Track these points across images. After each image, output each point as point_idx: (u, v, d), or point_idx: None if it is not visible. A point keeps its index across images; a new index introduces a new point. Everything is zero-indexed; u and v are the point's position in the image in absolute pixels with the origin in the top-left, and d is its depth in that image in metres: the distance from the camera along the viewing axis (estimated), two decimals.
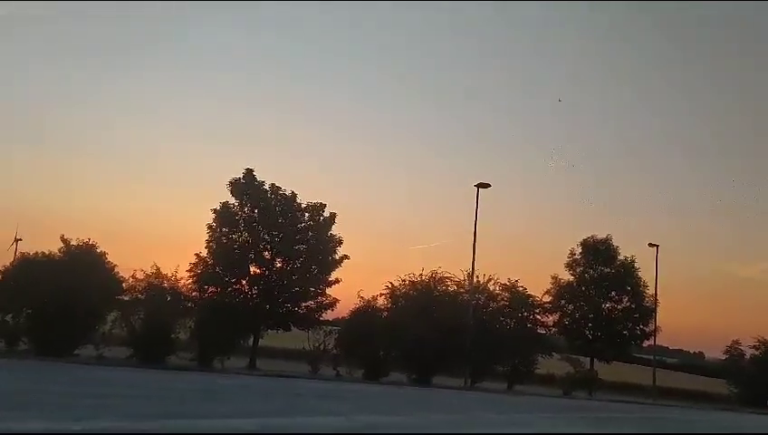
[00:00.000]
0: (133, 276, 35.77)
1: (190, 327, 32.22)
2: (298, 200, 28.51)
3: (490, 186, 29.33)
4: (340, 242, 28.49)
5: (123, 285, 35.20)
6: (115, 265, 35.57)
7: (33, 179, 72.96)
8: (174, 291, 34.65)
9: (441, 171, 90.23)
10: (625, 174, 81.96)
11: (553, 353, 31.86)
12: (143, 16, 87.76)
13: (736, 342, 33.41)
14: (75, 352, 30.44)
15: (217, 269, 27.29)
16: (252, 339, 29.09)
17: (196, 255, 27.24)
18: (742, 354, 33.49)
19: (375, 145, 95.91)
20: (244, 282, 27.87)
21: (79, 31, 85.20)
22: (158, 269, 35.49)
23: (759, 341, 32.86)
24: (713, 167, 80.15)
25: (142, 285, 35.00)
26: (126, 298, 34.39)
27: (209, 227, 27.28)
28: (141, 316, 33.85)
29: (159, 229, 73.04)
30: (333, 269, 28.51)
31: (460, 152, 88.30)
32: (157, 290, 34.57)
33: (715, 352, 39.55)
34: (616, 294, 34.51)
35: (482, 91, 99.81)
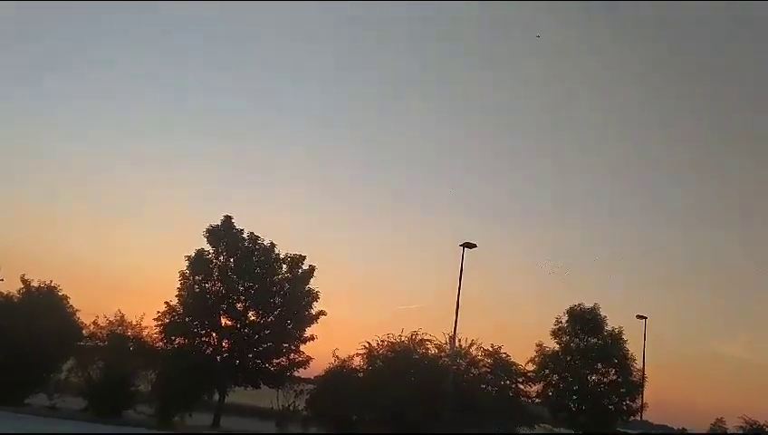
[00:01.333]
0: (95, 323, 35.83)
1: (152, 380, 32.08)
2: (277, 251, 28.89)
3: (476, 246, 30.22)
4: (317, 297, 28.63)
5: (84, 331, 35.23)
6: (77, 310, 35.38)
7: None
8: (137, 340, 34.68)
9: (426, 229, 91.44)
10: (614, 242, 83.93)
11: (536, 425, 32.07)
12: (127, 61, 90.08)
13: (720, 420, 34.13)
14: (26, 400, 29.98)
15: (186, 319, 27.30)
16: (217, 395, 29.10)
17: (166, 303, 27.40)
18: (725, 433, 34.15)
19: (359, 200, 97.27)
20: (213, 334, 27.81)
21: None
22: (122, 316, 35.52)
23: (746, 421, 33.68)
24: (700, 237, 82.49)
25: (104, 332, 35.06)
26: (86, 345, 34.30)
27: (182, 274, 27.51)
28: (100, 366, 33.70)
29: (131, 275, 72.34)
30: (309, 325, 28.61)
31: (446, 211, 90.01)
32: (119, 338, 34.53)
33: (699, 429, 40.24)
34: (602, 366, 34.94)
35: (468, 150, 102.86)
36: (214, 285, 27.90)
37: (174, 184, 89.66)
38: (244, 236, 28.57)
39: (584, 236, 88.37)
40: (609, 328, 35.31)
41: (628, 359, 34.95)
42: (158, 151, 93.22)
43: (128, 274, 75.55)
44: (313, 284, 29.15)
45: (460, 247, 29.69)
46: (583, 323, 35.20)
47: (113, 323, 34.56)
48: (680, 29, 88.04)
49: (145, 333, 34.58)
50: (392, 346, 30.38)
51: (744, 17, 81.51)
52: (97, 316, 35.17)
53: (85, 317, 35.55)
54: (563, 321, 35.64)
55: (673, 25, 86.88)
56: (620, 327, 35.28)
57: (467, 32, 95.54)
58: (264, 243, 28.89)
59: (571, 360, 35.06)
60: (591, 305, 35.42)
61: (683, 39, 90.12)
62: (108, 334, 34.17)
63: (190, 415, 28.12)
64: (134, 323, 34.60)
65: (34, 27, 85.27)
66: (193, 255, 27.86)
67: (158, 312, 27.45)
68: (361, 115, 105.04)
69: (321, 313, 28.62)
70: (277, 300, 28.35)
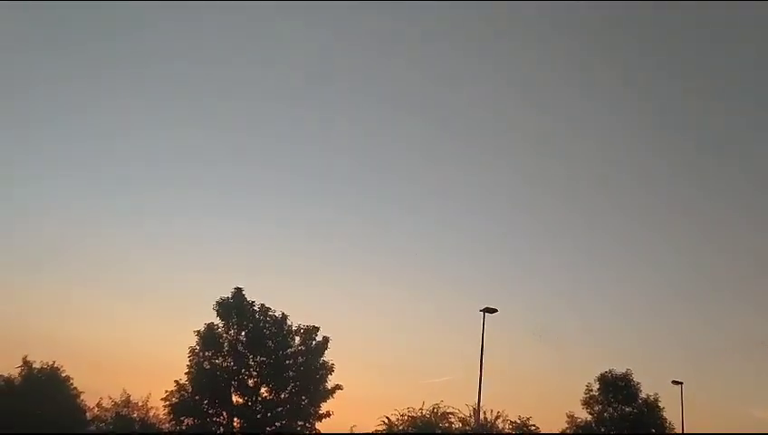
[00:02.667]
0: (99, 405, 36.33)
1: None
2: (289, 322, 29.23)
3: (497, 311, 30.63)
4: (332, 369, 28.66)
5: (88, 413, 35.74)
6: (81, 393, 36.23)
7: None
8: (144, 422, 35.07)
9: (447, 296, 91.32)
10: (645, 306, 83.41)
11: None
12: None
13: None
14: None
15: (196, 398, 27.34)
16: None
17: (176, 382, 27.55)
18: None
19: (375, 268, 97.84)
20: (224, 413, 27.77)
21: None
22: (127, 397, 36.14)
23: None
24: (730, 303, 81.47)
25: (109, 414, 35.54)
26: (90, 431, 34.70)
27: (191, 350, 27.82)
28: None
29: (137, 353, 72.44)
30: (324, 400, 28.56)
31: (465, 275, 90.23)
32: (124, 421, 35.00)
33: None
34: None
35: (489, 208, 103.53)
36: (224, 360, 28.20)
37: (182, 257, 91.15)
38: (256, 308, 29.07)
39: (612, 297, 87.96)
40: (643, 395, 35.21)
41: (666, 427, 34.64)
42: (162, 222, 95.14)
43: (134, 353, 75.80)
44: (328, 356, 29.40)
45: (480, 313, 30.24)
46: (616, 390, 35.06)
47: (118, 405, 35.19)
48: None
49: (151, 414, 35.23)
50: (413, 421, 30.49)
51: None
52: (101, 398, 35.83)
53: (90, 399, 36.33)
54: (594, 389, 35.57)
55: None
56: (656, 394, 35.13)
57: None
58: (276, 314, 29.34)
59: (605, 430, 34.77)
60: (624, 371, 35.50)
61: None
62: (113, 417, 34.77)
63: None
64: (140, 403, 35.43)
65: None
66: (202, 329, 28.35)
67: (166, 391, 27.74)
68: (376, 178, 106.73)
69: (338, 386, 28.79)
70: (291, 374, 28.50)
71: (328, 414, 28.90)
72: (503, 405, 32.05)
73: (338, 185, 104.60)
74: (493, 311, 30.16)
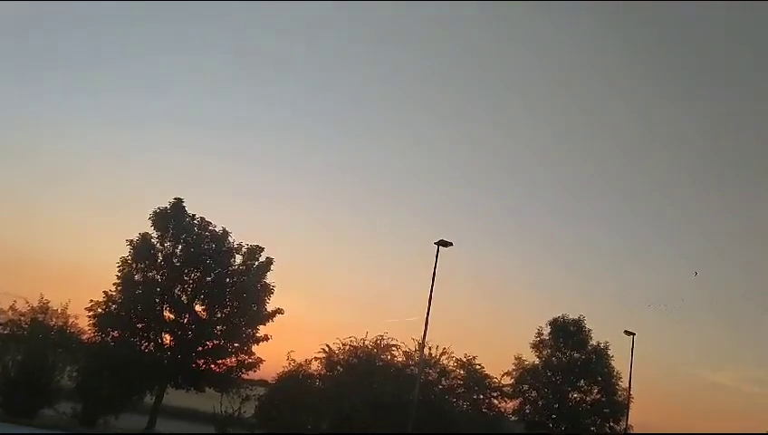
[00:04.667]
0: (12, 308, 36.72)
1: (75, 376, 33.37)
2: (231, 240, 30.07)
3: (452, 244, 31.65)
4: (271, 292, 29.93)
5: (1, 316, 36.21)
6: None
7: None
8: (62, 330, 35.81)
9: (403, 227, 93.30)
10: (604, 251, 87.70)
11: None
12: None
13: None
14: None
15: (122, 312, 28.25)
16: (153, 397, 30.06)
17: (104, 292, 28.27)
18: None
19: (330, 188, 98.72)
20: (154, 328, 28.92)
21: None
22: (46, 303, 36.57)
23: None
24: (701, 256, 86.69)
25: (25, 319, 36.10)
26: (2, 333, 35.30)
27: (123, 260, 28.41)
28: (17, 358, 34.80)
29: (60, 258, 72.39)
30: (263, 323, 29.89)
31: (426, 208, 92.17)
32: (40, 327, 35.66)
33: None
34: (585, 384, 37.35)
35: (451, 138, 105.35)
36: (157, 273, 28.91)
37: (121, 156, 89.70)
38: (195, 221, 29.61)
39: (573, 242, 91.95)
40: (593, 343, 38.03)
41: (613, 377, 37.62)
42: (105, 115, 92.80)
43: (56, 256, 75.70)
44: (271, 278, 30.52)
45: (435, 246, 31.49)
46: (567, 335, 37.61)
47: (35, 310, 35.66)
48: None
49: (70, 323, 35.95)
50: (354, 351, 32.19)
51: None
52: (15, 301, 36.23)
53: (4, 302, 36.68)
54: (545, 333, 37.99)
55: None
56: (606, 342, 37.94)
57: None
58: (217, 230, 29.97)
59: (551, 375, 37.48)
60: (576, 317, 38.03)
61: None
62: (29, 322, 35.38)
63: (116, 417, 29.41)
64: (59, 311, 36.02)
65: None
66: (135, 239, 28.81)
67: (92, 301, 28.43)
68: (334, 103, 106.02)
69: (278, 311, 30.00)
70: (228, 293, 29.57)
71: (266, 338, 30.22)
72: (449, 343, 33.88)
73: (298, 90, 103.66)
74: (447, 244, 31.37)
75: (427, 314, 30.13)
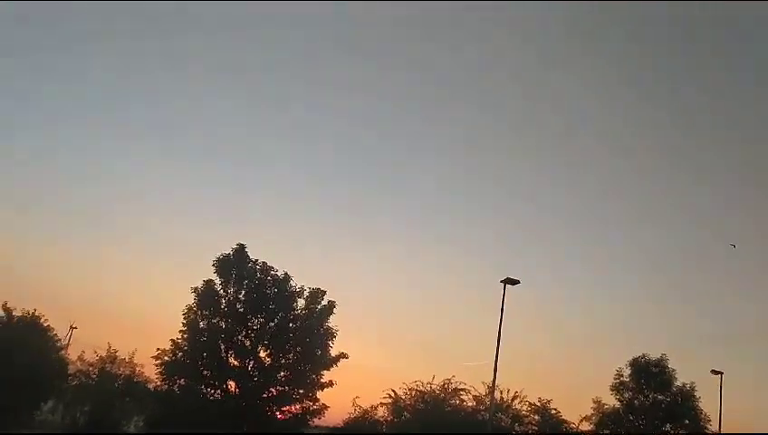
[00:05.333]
0: (80, 358, 38.58)
1: (142, 425, 34.53)
2: (292, 284, 30.55)
3: (519, 282, 31.54)
4: (334, 335, 30.07)
5: (71, 366, 38.05)
6: (65, 345, 38.51)
7: None
8: (129, 379, 37.34)
9: (468, 266, 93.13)
10: (689, 287, 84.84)
11: None
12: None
13: None
14: None
15: (189, 359, 28.88)
16: None
17: (172, 340, 29.11)
18: None
19: (394, 233, 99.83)
20: (219, 375, 29.20)
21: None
22: (114, 352, 38.33)
23: None
24: None
25: (94, 369, 37.85)
26: (72, 384, 37.04)
27: (188, 308, 29.31)
28: (86, 409, 36.39)
29: (128, 309, 75.91)
30: (327, 368, 29.95)
31: (488, 246, 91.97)
32: (108, 377, 37.29)
33: None
34: (671, 428, 36.24)
35: (515, 180, 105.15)
36: (222, 320, 29.65)
37: (183, 209, 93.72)
38: (258, 266, 30.32)
39: (652, 276, 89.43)
40: (678, 383, 36.77)
41: (701, 420, 36.24)
42: (165, 173, 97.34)
43: (125, 308, 79.12)
44: (333, 322, 30.76)
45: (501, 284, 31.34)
46: (649, 376, 36.57)
47: (103, 360, 37.44)
48: None
49: (137, 371, 37.46)
50: (421, 396, 32.21)
51: None
52: (83, 351, 38.03)
53: (73, 352, 38.64)
54: (625, 374, 37.08)
55: None
56: (692, 383, 36.63)
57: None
58: (278, 274, 30.59)
59: (634, 419, 36.40)
60: (658, 357, 36.93)
61: None
62: (97, 372, 37.07)
63: None
64: (127, 359, 37.62)
65: None
66: (200, 286, 29.72)
67: (158, 349, 29.31)
68: (392, 148, 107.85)
69: (342, 355, 30.32)
70: (292, 338, 29.96)
71: (330, 383, 30.33)
72: (522, 385, 33.53)
73: (355, 136, 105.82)
74: (515, 282, 31.30)
75: (496, 355, 29.92)
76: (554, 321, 78.81)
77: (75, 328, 43.77)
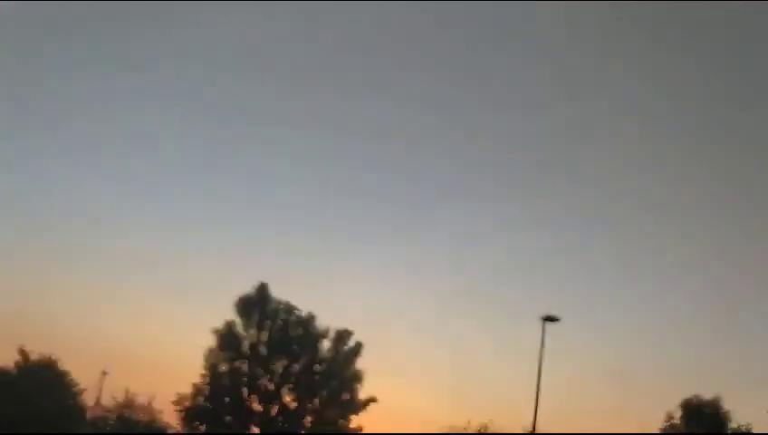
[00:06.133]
0: (98, 403, 38.51)
1: None
2: (317, 324, 30.39)
3: (559, 319, 31.06)
4: (361, 378, 29.94)
5: (88, 412, 37.89)
6: (83, 390, 38.35)
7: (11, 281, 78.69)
8: (149, 425, 37.01)
9: (504, 304, 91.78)
10: (744, 321, 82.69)
11: None
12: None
13: None
14: None
15: (211, 404, 28.68)
16: None
17: (193, 385, 28.98)
18: None
19: (421, 269, 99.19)
20: (241, 421, 28.91)
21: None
22: (132, 397, 38.13)
23: None
24: None
25: (111, 415, 37.66)
26: (89, 430, 36.84)
27: (208, 350, 29.21)
28: None
29: (145, 350, 76.36)
30: (356, 413, 29.78)
31: (527, 282, 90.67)
32: (128, 423, 37.03)
33: None
34: None
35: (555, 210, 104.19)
36: (243, 363, 29.42)
37: (201, 248, 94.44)
38: (281, 306, 30.21)
39: (701, 311, 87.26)
40: (734, 425, 35.41)
41: None
42: (181, 211, 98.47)
43: (141, 349, 79.22)
44: (361, 364, 30.47)
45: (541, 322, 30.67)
46: (702, 419, 35.36)
47: (121, 406, 37.24)
48: None
49: (157, 417, 37.14)
50: None
51: None
52: (98, 396, 38.05)
53: (91, 397, 38.53)
54: (676, 417, 35.87)
55: None
56: (749, 424, 35.26)
57: None
58: (302, 314, 30.43)
59: None
60: (712, 397, 35.66)
61: None
62: (114, 419, 36.85)
63: None
64: (146, 404, 37.35)
65: None
66: (221, 328, 29.52)
67: (178, 394, 29.15)
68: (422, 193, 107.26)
69: (371, 399, 29.75)
70: (318, 381, 29.67)
71: (359, 429, 29.91)
72: (565, 429, 32.69)
73: (377, 173, 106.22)
74: (554, 320, 30.67)
75: (536, 397, 29.30)
76: (596, 360, 77.05)
77: (107, 374, 43.71)
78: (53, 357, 36.24)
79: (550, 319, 30.36)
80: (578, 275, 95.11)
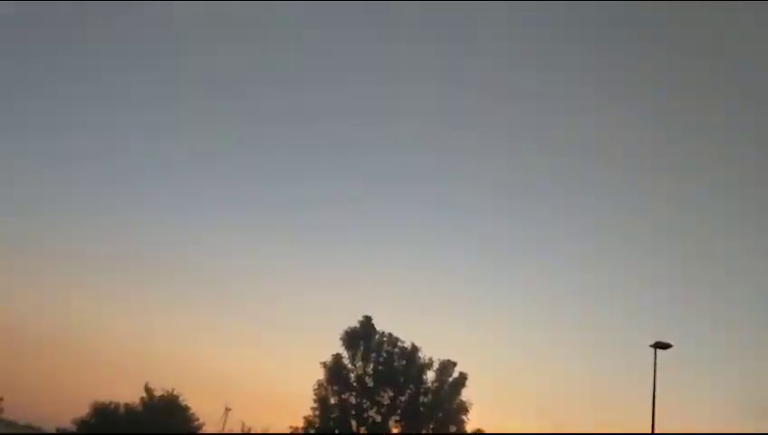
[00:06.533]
0: None
1: None
2: (421, 355, 31.12)
3: (671, 346, 30.25)
4: (467, 410, 30.31)
5: None
6: (202, 424, 40.96)
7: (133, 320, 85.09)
8: None
9: (612, 331, 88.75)
10: None
11: None
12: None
13: None
14: None
15: None
16: None
17: (305, 418, 30.25)
18: None
19: (522, 294, 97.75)
20: None
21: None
22: (247, 430, 40.34)
23: None
24: None
25: None
26: None
27: (318, 384, 30.48)
28: None
29: (259, 383, 79.71)
30: None
31: (634, 307, 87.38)
32: None
33: None
34: None
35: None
36: (351, 395, 30.55)
37: (310, 284, 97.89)
38: (385, 338, 31.26)
39: None
40: None
41: None
42: (290, 251, 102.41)
43: (255, 381, 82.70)
44: (467, 395, 30.94)
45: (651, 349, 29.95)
46: None
47: None
48: None
49: None
50: None
51: None
52: (223, 428, 40.31)
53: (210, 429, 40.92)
54: None
55: None
56: None
57: None
58: (406, 346, 31.29)
59: None
60: None
61: None
62: None
63: None
64: None
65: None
66: (329, 361, 30.81)
67: (291, 427, 30.56)
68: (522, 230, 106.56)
69: (478, 432, 30.01)
70: (424, 413, 30.20)
71: None
72: None
73: (479, 206, 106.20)
74: (666, 346, 29.87)
75: (652, 427, 28.63)
76: (712, 388, 73.36)
77: (230, 410, 46.43)
78: (175, 392, 38.99)
79: (661, 345, 29.63)
80: (692, 301, 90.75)
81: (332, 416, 30.12)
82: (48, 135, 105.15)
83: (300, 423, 30.09)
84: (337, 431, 30.10)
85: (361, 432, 30.28)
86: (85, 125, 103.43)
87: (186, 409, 39.21)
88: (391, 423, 30.77)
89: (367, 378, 31.05)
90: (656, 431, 28.25)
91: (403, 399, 30.70)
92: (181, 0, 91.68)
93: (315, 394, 30.44)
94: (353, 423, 30.29)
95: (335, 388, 30.60)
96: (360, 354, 31.03)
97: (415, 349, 31.29)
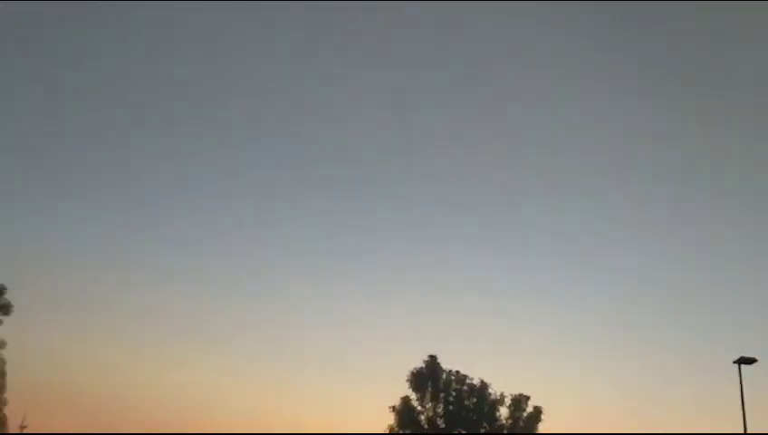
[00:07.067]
0: None
1: None
2: (491, 391, 30.89)
3: (756, 361, 29.17)
4: None
5: None
6: None
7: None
8: None
9: (690, 348, 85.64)
10: None
11: None
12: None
13: None
14: None
15: None
16: None
17: None
18: None
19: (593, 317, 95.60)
20: None
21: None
22: None
23: None
24: None
25: None
26: None
27: (389, 428, 30.37)
28: None
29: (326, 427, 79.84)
30: None
31: (713, 322, 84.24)
32: None
33: None
34: None
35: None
36: None
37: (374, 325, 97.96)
38: (452, 377, 31.06)
39: None
40: None
41: None
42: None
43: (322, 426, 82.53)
44: (543, 429, 30.47)
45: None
46: None
47: None
48: None
49: None
50: None
51: None
52: None
53: None
54: None
55: None
56: None
57: None
58: (474, 382, 31.10)
59: None
60: None
61: None
62: None
63: None
64: None
65: None
66: (398, 405, 30.72)
67: None
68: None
69: None
70: None
71: None
72: None
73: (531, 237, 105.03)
74: (751, 361, 28.91)
75: None
76: None
77: (25, 426, 45.95)
78: None
79: (745, 361, 28.73)
80: None
81: None
82: None
83: None
84: None
85: None
86: None
87: None
88: None
89: (438, 419, 30.83)
90: None
91: None
92: None
93: None
94: None
95: (407, 432, 30.39)
96: (428, 395, 30.89)
97: (484, 385, 31.02)
